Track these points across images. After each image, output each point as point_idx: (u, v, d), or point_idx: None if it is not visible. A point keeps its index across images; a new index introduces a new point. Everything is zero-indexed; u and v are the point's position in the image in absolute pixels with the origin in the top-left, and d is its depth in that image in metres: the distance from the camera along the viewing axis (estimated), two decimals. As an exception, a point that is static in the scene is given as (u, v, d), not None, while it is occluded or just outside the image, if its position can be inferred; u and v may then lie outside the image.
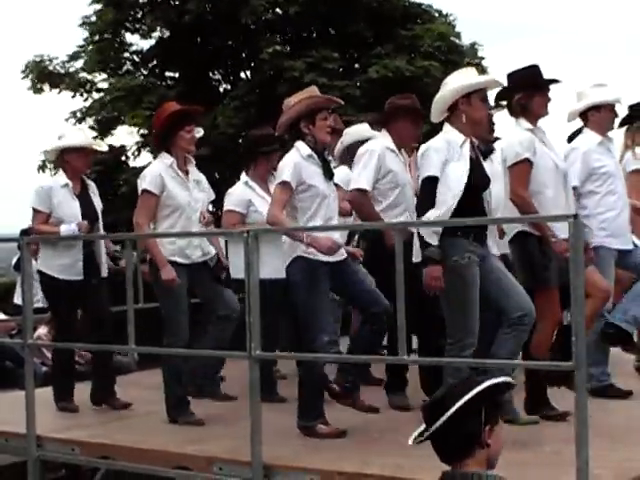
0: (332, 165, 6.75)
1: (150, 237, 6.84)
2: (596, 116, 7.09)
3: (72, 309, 7.58)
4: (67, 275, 7.38)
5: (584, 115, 7.17)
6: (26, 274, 6.89)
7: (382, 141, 7.02)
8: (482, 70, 18.38)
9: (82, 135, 7.85)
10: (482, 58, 18.61)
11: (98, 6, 18.03)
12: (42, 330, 10.44)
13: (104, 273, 7.59)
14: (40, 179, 17.47)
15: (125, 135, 17.66)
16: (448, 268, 5.69)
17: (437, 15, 18.20)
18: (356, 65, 17.48)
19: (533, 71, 6.56)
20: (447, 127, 5.94)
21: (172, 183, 6.80)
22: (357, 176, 6.86)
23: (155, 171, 6.82)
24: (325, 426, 6.18)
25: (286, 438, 6.10)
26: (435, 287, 5.68)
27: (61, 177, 7.52)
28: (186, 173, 6.92)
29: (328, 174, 6.25)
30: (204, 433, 6.48)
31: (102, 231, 7.78)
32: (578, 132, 7.48)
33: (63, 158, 7.49)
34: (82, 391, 7.64)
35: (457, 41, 17.66)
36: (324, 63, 16.15)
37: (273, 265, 6.75)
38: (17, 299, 12.95)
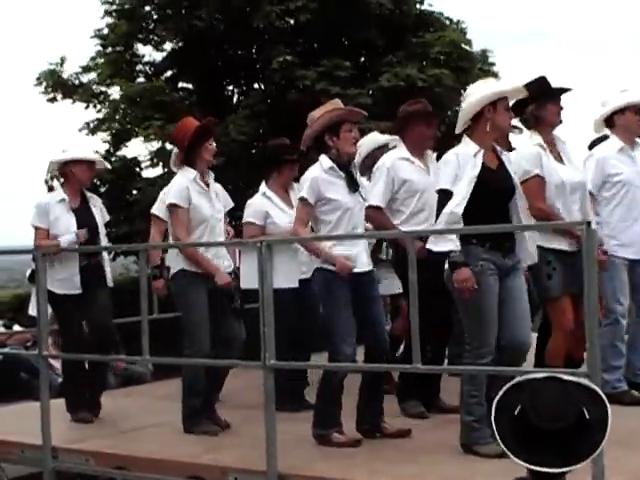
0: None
1: (157, 247, 6.89)
2: (621, 119, 7.10)
3: (74, 322, 7.55)
4: (65, 289, 7.40)
5: (610, 121, 7.17)
6: (41, 286, 6.91)
7: (394, 153, 7.10)
8: (494, 76, 18.32)
9: (87, 149, 8.02)
10: (493, 64, 18.56)
11: (110, 19, 18.07)
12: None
13: (109, 283, 7.65)
14: (40, 194, 17.53)
15: (138, 146, 17.67)
16: None
17: (448, 23, 18.18)
18: (368, 74, 17.46)
19: (542, 82, 6.64)
20: (465, 139, 5.92)
21: (197, 196, 6.88)
22: (370, 193, 6.87)
23: (181, 185, 6.88)
24: (340, 435, 6.18)
25: (300, 447, 6.09)
26: (467, 288, 5.56)
27: (58, 193, 7.63)
28: (207, 185, 7.01)
29: (352, 186, 6.28)
30: (218, 443, 6.48)
31: (105, 242, 7.81)
32: (600, 140, 7.50)
33: (67, 170, 7.57)
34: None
35: (468, 48, 17.61)
36: (335, 71, 16.12)
37: (285, 274, 6.82)
38: (32, 310, 13.00)
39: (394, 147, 7.42)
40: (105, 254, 7.72)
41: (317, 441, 6.20)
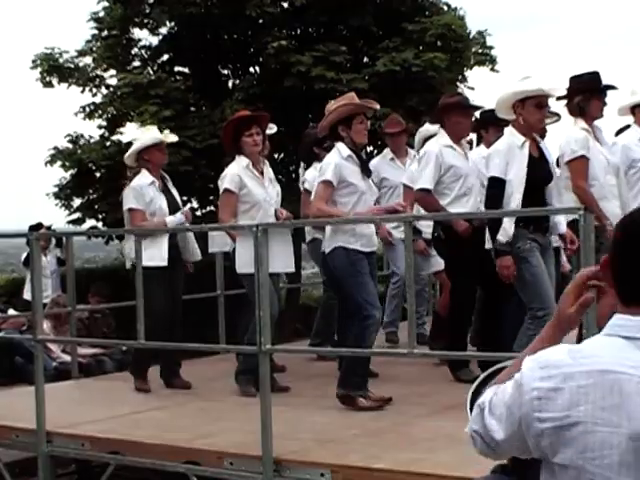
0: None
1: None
2: None
3: (161, 292, 7.71)
4: (156, 262, 7.61)
5: (634, 111, 7.51)
6: (35, 269, 6.90)
7: (439, 140, 7.50)
8: (492, 60, 18.26)
9: (152, 133, 8.18)
10: (491, 47, 18.44)
11: (106, 3, 18.01)
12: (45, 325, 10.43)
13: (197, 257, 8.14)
14: (49, 173, 17.54)
15: (134, 131, 17.63)
16: (515, 255, 6.49)
17: (445, 8, 18.09)
18: (364, 58, 17.41)
19: (593, 77, 6.94)
20: (512, 130, 6.62)
21: (250, 182, 7.44)
22: (419, 177, 7.45)
23: (233, 172, 7.45)
24: (365, 399, 6.51)
25: (296, 432, 6.09)
26: (508, 275, 6.51)
27: (144, 177, 7.89)
28: (261, 173, 7.54)
29: (366, 172, 6.83)
30: (214, 428, 6.47)
31: None
32: (625, 128, 7.89)
33: (143, 158, 7.91)
34: (92, 385, 7.64)
35: (462, 31, 17.49)
36: (331, 56, 16.09)
37: (281, 259, 6.93)
38: (26, 294, 13.01)
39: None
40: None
41: (341, 402, 6.51)
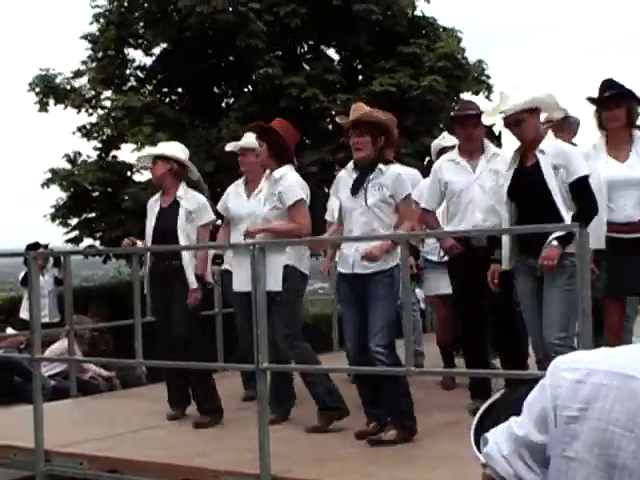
0: None
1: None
2: None
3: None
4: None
5: None
6: (33, 289, 6.91)
7: (448, 154, 7.33)
8: (488, 87, 18.39)
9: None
10: (488, 77, 18.57)
11: (99, 25, 18.11)
12: (60, 345, 10.42)
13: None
14: (46, 194, 17.57)
15: (129, 152, 17.71)
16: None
17: (441, 31, 18.16)
18: (359, 78, 17.50)
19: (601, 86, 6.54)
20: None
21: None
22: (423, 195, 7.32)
23: (300, 180, 6.92)
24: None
25: (293, 450, 6.10)
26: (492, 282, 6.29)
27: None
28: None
29: (354, 189, 6.34)
30: (211, 446, 6.48)
31: None
32: None
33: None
34: (90, 404, 7.63)
35: (461, 58, 17.60)
36: (324, 75, 16.18)
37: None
38: (23, 313, 13.03)
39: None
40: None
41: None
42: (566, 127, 7.78)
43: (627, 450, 1.91)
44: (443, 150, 7.88)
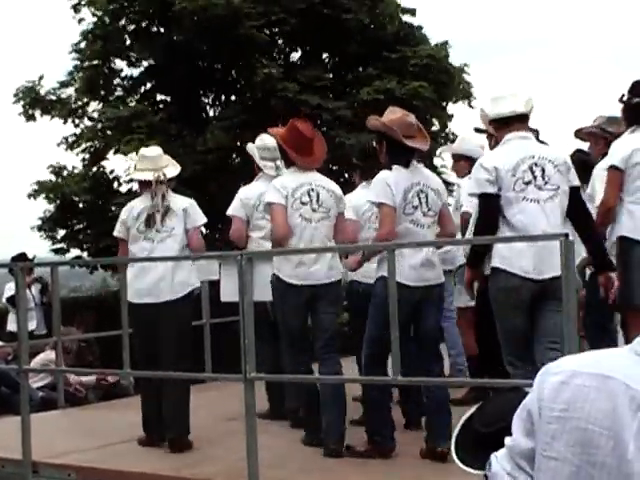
0: None
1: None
2: None
3: None
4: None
5: None
6: (20, 299, 6.91)
7: None
8: (469, 93, 18.41)
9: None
10: (469, 84, 18.58)
11: (87, 39, 18.08)
12: (44, 356, 10.41)
13: None
14: (32, 205, 17.54)
15: (117, 161, 17.72)
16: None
17: (427, 38, 18.23)
18: (348, 87, 17.54)
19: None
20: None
21: None
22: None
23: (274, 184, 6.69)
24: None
25: (282, 460, 6.10)
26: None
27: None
28: None
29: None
30: (200, 456, 6.48)
31: None
32: None
33: None
34: (78, 415, 7.61)
35: (446, 62, 17.64)
36: (316, 83, 16.23)
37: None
38: (10, 326, 13.02)
39: None
40: None
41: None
42: None
43: (606, 448, 1.96)
44: None
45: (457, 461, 3.07)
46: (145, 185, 7.04)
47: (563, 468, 2.02)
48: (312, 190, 6.46)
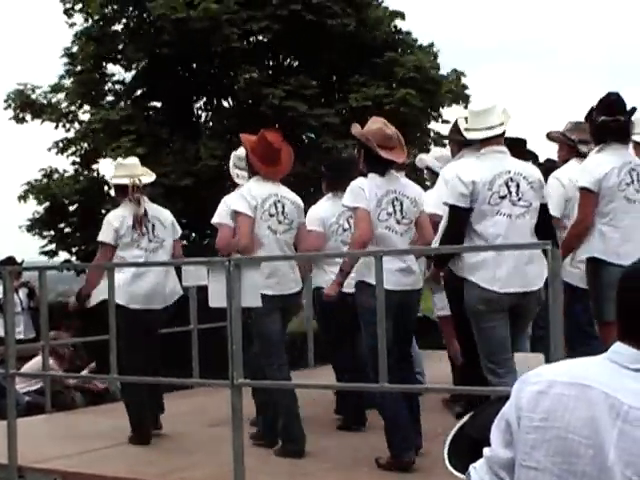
0: None
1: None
2: None
3: None
4: None
5: None
6: (8, 304, 6.89)
7: None
8: (465, 98, 18.41)
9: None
10: (465, 86, 18.60)
11: (79, 42, 18.08)
12: (37, 361, 10.38)
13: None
14: (22, 207, 17.52)
15: (107, 166, 17.72)
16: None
17: (416, 44, 18.23)
18: (336, 93, 17.56)
19: None
20: None
21: None
22: None
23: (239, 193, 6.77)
24: None
25: (267, 466, 6.11)
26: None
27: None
28: None
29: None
30: (186, 462, 6.47)
31: None
32: None
33: None
34: (64, 419, 7.59)
35: (434, 72, 17.65)
36: (302, 90, 16.23)
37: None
38: (-2, 331, 12.96)
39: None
40: None
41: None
42: None
43: (586, 457, 1.97)
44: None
45: (450, 468, 3.09)
46: (122, 192, 7.39)
47: (544, 477, 2.03)
48: (278, 202, 6.56)
